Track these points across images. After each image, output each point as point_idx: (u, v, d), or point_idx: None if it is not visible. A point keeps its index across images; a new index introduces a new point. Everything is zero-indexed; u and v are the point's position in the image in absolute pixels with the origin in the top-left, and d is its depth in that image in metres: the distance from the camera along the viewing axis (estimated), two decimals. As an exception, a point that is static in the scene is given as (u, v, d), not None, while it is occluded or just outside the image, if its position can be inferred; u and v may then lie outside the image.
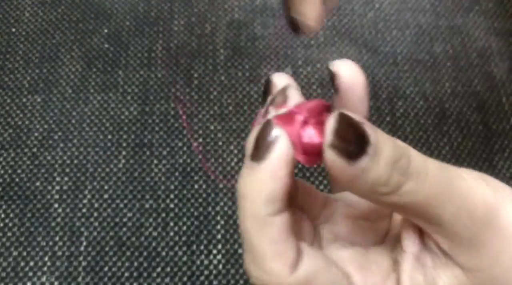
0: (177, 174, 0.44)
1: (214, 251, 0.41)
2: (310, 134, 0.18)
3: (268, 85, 0.22)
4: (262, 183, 0.18)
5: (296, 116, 0.19)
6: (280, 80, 0.22)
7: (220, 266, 0.40)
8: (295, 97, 0.21)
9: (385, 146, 0.18)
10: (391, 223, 0.23)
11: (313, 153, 0.18)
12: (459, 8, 0.55)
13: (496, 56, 0.52)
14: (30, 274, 0.39)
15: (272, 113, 0.20)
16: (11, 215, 0.42)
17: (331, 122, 0.17)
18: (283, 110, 0.19)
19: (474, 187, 0.19)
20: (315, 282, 0.19)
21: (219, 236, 0.41)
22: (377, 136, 0.18)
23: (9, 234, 0.41)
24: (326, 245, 0.22)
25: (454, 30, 0.53)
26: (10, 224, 0.41)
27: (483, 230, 0.19)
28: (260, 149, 0.18)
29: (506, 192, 0.20)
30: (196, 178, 0.44)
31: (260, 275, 0.19)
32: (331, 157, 0.17)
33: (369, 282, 0.20)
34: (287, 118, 0.19)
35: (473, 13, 0.55)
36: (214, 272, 0.40)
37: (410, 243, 0.21)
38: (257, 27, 0.52)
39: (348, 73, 0.23)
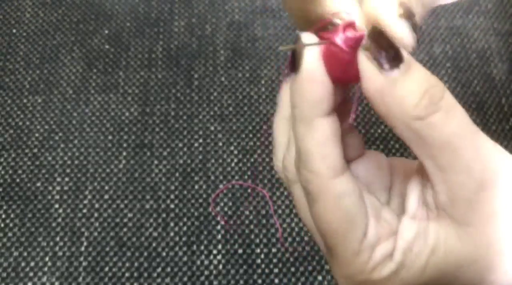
0: (177, 174, 0.44)
1: (214, 252, 0.41)
2: (344, 36, 0.19)
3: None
4: (304, 88, 0.19)
5: (334, 28, 0.19)
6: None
7: (220, 266, 0.40)
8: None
9: (418, 71, 0.19)
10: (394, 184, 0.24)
11: (347, 61, 0.19)
12: (458, 9, 0.55)
13: (496, 57, 0.52)
14: (31, 274, 0.40)
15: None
16: (12, 215, 0.42)
17: (369, 30, 0.19)
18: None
19: (493, 147, 0.20)
20: (350, 197, 0.20)
21: (219, 237, 0.41)
22: (410, 59, 0.19)
23: (10, 234, 0.41)
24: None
25: (454, 31, 0.53)
26: (11, 225, 0.41)
27: (487, 187, 0.20)
28: (296, 60, 0.19)
29: None
30: (196, 178, 0.44)
31: (306, 174, 0.20)
32: (364, 62, 0.18)
33: (378, 232, 0.21)
34: (324, 31, 0.20)
35: (473, 14, 0.55)
36: (214, 272, 0.40)
37: (412, 203, 0.22)
38: (257, 28, 0.52)
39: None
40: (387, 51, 0.18)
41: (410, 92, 0.18)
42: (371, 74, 0.18)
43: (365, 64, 0.19)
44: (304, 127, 0.20)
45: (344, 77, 0.19)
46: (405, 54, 0.19)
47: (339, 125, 0.20)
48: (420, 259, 0.20)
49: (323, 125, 0.20)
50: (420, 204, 0.21)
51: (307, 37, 0.19)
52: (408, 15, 0.19)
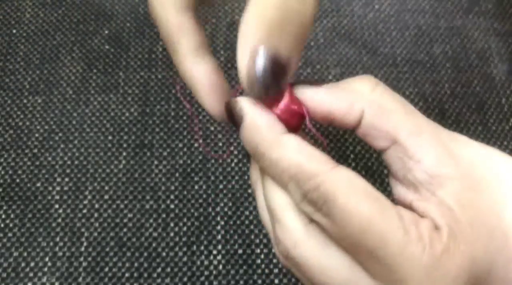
0: (177, 175, 0.44)
1: (214, 252, 0.41)
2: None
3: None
4: (254, 123, 0.23)
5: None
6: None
7: (220, 267, 0.40)
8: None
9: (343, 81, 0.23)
10: None
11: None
12: (458, 9, 0.55)
13: (496, 57, 0.52)
14: (31, 274, 0.40)
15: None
16: (12, 215, 0.42)
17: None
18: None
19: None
20: (357, 182, 0.20)
21: (219, 237, 0.41)
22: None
23: (10, 234, 0.41)
24: None
25: (454, 31, 0.53)
26: (11, 225, 0.41)
27: (448, 138, 0.22)
28: (236, 116, 0.23)
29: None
30: (196, 178, 0.44)
31: (311, 184, 0.20)
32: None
33: (405, 215, 0.21)
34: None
35: (473, 14, 0.55)
36: (214, 272, 0.40)
37: (407, 195, 0.22)
38: (257, 28, 0.52)
39: None
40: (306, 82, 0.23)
41: (350, 82, 0.23)
42: (310, 94, 0.23)
43: (302, 90, 0.23)
44: (277, 150, 0.21)
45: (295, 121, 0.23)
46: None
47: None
48: (460, 221, 0.20)
49: (290, 137, 0.21)
50: (412, 192, 0.22)
51: (244, 99, 0.23)
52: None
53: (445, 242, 0.19)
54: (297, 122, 0.22)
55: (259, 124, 0.21)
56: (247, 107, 0.22)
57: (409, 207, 0.21)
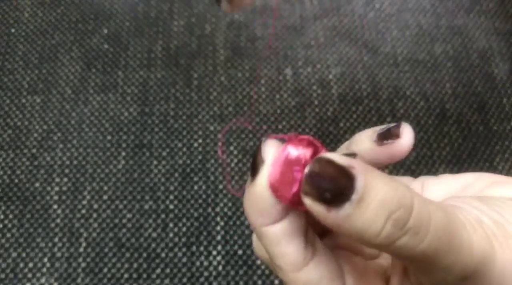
0: (176, 175, 0.44)
1: (214, 252, 0.41)
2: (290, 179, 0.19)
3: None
4: (253, 201, 0.20)
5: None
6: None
7: (220, 267, 0.40)
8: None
9: (375, 196, 0.16)
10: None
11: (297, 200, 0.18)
12: (459, 8, 0.55)
13: (497, 57, 0.52)
14: (29, 275, 0.39)
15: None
16: (10, 216, 0.41)
17: (307, 169, 0.17)
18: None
19: (472, 236, 0.18)
20: (320, 283, 0.20)
21: (218, 237, 0.41)
22: (367, 180, 0.16)
23: (8, 235, 0.41)
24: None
25: (455, 31, 0.53)
26: (9, 225, 0.41)
27: (474, 279, 0.18)
28: (255, 168, 0.20)
29: (505, 229, 0.19)
30: (195, 179, 0.44)
31: (274, 267, 0.21)
32: (309, 203, 0.17)
33: None
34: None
35: (474, 13, 0.54)
36: (214, 273, 0.40)
37: (396, 280, 0.21)
38: (257, 28, 0.52)
39: (409, 142, 0.22)
40: (332, 187, 0.16)
41: (369, 225, 0.17)
42: (320, 214, 0.17)
43: (310, 206, 0.17)
44: (258, 236, 0.20)
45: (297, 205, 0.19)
46: (359, 175, 0.16)
47: (295, 222, 0.20)
48: None
49: (270, 231, 0.20)
50: None
51: (270, 145, 0.19)
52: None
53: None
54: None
55: (258, 203, 0.20)
56: (265, 169, 0.19)
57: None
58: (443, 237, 0.17)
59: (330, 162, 0.17)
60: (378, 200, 0.16)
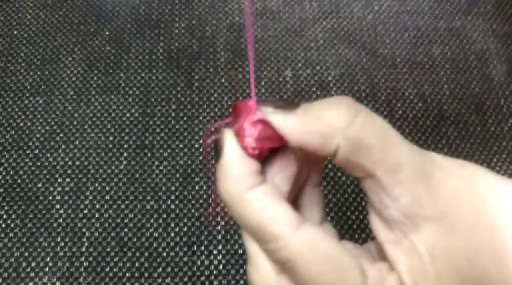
0: (178, 175, 0.44)
1: (215, 252, 0.41)
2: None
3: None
4: (226, 170, 0.21)
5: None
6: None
7: (221, 267, 0.40)
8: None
9: (318, 102, 0.21)
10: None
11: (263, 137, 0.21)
12: (457, 10, 0.55)
13: (495, 58, 0.52)
14: (32, 274, 0.40)
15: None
16: (13, 216, 0.42)
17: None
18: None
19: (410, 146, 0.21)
20: (324, 241, 0.19)
21: (219, 237, 0.42)
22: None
23: (11, 235, 0.41)
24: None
25: (453, 33, 0.54)
26: (12, 225, 0.42)
27: (431, 175, 0.20)
28: (218, 150, 0.21)
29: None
30: (196, 179, 0.44)
31: (271, 248, 0.19)
32: (270, 117, 0.20)
33: (380, 269, 0.20)
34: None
35: (472, 15, 0.55)
36: (215, 272, 0.40)
37: (381, 231, 0.21)
38: (257, 30, 0.52)
39: None
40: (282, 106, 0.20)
41: (326, 112, 0.20)
42: (281, 122, 0.20)
43: (272, 117, 0.20)
44: (240, 208, 0.20)
45: (270, 146, 0.21)
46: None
47: (274, 187, 0.21)
48: (427, 272, 0.19)
49: (255, 194, 0.20)
50: (386, 226, 0.21)
51: (227, 133, 0.22)
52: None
53: None
54: (270, 149, 0.21)
55: (230, 172, 0.21)
56: (227, 144, 0.21)
57: (380, 248, 0.21)
58: (390, 129, 0.21)
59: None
60: (320, 102, 0.20)
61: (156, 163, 0.45)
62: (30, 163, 0.44)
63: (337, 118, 0.20)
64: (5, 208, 0.42)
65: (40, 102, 0.47)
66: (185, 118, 0.47)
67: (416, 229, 0.20)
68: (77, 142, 0.45)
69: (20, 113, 0.47)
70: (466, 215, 0.20)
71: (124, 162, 0.45)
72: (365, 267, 0.20)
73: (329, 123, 0.20)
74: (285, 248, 0.19)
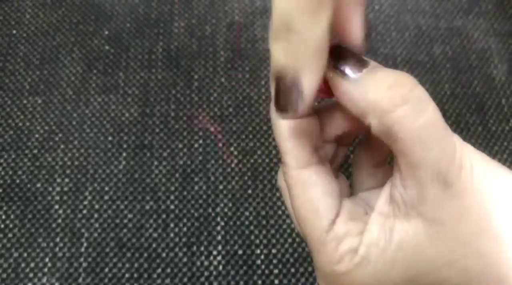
0: (177, 175, 0.44)
1: (214, 252, 0.41)
2: None
3: None
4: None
5: None
6: None
7: (220, 267, 0.40)
8: None
9: (382, 70, 0.20)
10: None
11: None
12: (458, 9, 0.55)
13: (496, 58, 0.52)
14: (31, 275, 0.40)
15: None
16: (12, 216, 0.42)
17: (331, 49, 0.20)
18: None
19: (465, 146, 0.21)
20: (315, 187, 0.22)
21: (219, 237, 0.41)
22: (376, 65, 0.21)
23: (10, 235, 0.41)
24: None
25: (454, 32, 0.53)
26: (11, 225, 0.41)
27: (457, 181, 0.20)
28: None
29: (493, 165, 0.21)
30: (196, 179, 0.44)
31: (283, 167, 0.23)
32: (330, 75, 0.21)
33: (349, 228, 0.22)
34: None
35: (473, 14, 0.55)
36: (214, 273, 0.40)
37: (381, 199, 0.22)
38: (257, 29, 0.52)
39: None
40: (347, 60, 0.21)
41: (375, 87, 0.19)
42: (336, 82, 0.20)
43: (331, 76, 0.21)
44: (273, 127, 0.23)
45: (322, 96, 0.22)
46: (370, 61, 0.21)
47: (305, 127, 0.23)
48: (385, 253, 0.20)
49: (281, 125, 0.22)
50: (388, 201, 0.22)
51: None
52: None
53: (350, 267, 0.21)
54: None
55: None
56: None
57: (368, 206, 0.24)
58: (439, 122, 0.20)
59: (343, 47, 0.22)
60: (384, 72, 0.20)
61: (156, 163, 0.45)
62: (28, 163, 0.44)
63: (380, 99, 0.19)
64: (4, 208, 0.42)
65: (39, 101, 0.47)
66: (184, 118, 0.47)
67: (405, 218, 0.20)
68: (76, 142, 0.45)
69: (18, 113, 0.46)
70: (459, 240, 0.20)
71: (123, 162, 0.44)
72: (338, 221, 0.22)
73: (369, 101, 0.20)
74: (287, 175, 0.23)
